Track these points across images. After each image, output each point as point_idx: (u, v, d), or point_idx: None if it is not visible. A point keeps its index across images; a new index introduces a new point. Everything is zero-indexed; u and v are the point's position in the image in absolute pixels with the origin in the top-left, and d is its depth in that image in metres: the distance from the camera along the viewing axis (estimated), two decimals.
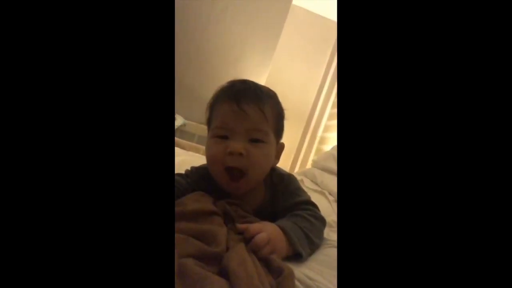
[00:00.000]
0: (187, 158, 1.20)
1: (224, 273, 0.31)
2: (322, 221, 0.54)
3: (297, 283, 0.35)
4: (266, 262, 0.35)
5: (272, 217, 0.50)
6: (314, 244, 0.49)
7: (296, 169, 2.54)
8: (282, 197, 0.56)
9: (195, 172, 0.60)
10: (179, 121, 2.29)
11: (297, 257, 0.44)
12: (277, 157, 0.58)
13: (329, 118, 2.51)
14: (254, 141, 0.50)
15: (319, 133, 2.58)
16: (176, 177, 0.58)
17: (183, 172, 0.61)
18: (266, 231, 0.41)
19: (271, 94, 0.56)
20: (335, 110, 2.39)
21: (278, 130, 0.56)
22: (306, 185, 1.15)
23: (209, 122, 0.56)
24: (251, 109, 0.49)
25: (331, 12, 2.67)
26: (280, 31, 2.55)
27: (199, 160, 1.25)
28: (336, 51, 2.59)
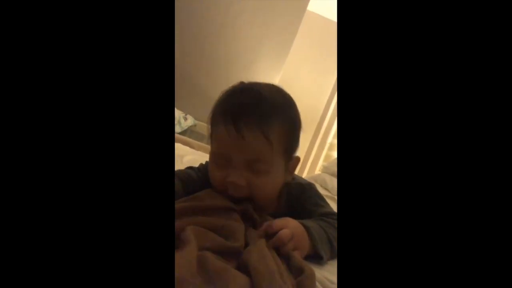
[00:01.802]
0: (196, 158, 1.20)
1: (243, 269, 0.30)
2: None
3: (317, 284, 0.34)
4: (287, 260, 0.34)
5: None
6: (335, 252, 0.46)
7: (304, 175, 2.52)
8: (305, 206, 0.53)
9: (207, 167, 0.58)
10: (189, 121, 2.30)
11: (316, 258, 0.42)
12: (291, 173, 0.52)
13: None
14: (255, 171, 0.44)
15: (329, 139, 2.56)
16: (187, 170, 0.57)
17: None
18: (290, 228, 0.39)
19: (282, 104, 0.46)
20: None
21: (290, 148, 0.48)
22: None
23: (210, 136, 0.50)
24: (252, 135, 0.41)
25: None
26: (293, 36, 2.56)
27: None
28: None
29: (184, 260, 0.26)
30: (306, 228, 0.42)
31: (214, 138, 0.47)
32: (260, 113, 0.42)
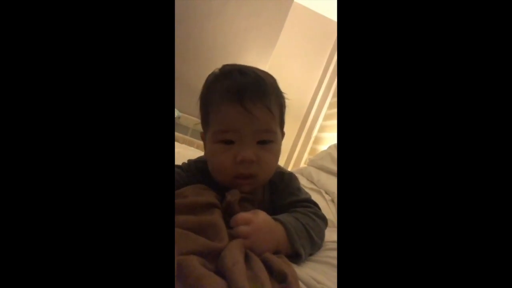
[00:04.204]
0: (180, 151, 1.17)
1: (221, 273, 0.29)
2: (324, 220, 0.51)
3: (302, 285, 0.33)
4: (266, 264, 0.32)
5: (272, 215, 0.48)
6: (315, 243, 0.46)
7: (290, 168, 2.53)
8: (281, 195, 0.53)
9: (192, 165, 0.56)
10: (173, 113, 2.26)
11: (296, 256, 0.41)
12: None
13: (325, 119, 2.50)
14: (263, 142, 0.46)
15: (314, 132, 2.58)
16: (176, 169, 0.55)
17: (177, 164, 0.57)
18: (252, 224, 0.38)
19: (273, 83, 0.50)
20: (332, 111, 2.39)
21: (282, 122, 0.52)
22: (303, 183, 1.13)
23: (205, 120, 0.50)
24: (257, 109, 0.44)
25: (332, 12, 2.66)
26: (280, 28, 2.53)
27: (193, 153, 1.23)
28: (335, 51, 2.59)
29: None
30: (283, 224, 0.41)
31: (216, 116, 0.47)
32: (261, 90, 0.46)
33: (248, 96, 0.44)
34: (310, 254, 0.46)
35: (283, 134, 0.54)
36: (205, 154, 0.53)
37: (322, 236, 0.49)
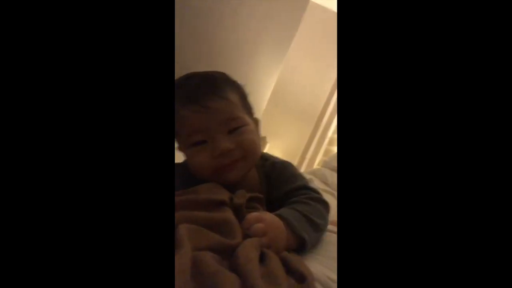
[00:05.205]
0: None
1: (235, 270, 0.29)
2: (321, 202, 0.51)
3: (318, 285, 0.32)
4: (284, 263, 0.32)
5: (270, 209, 0.48)
6: (316, 224, 0.45)
7: (303, 169, 2.51)
8: (276, 185, 0.53)
9: (180, 167, 0.56)
10: None
11: (302, 243, 0.42)
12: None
13: None
14: (233, 130, 0.47)
15: (329, 134, 2.55)
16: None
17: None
18: (264, 221, 0.39)
19: (222, 76, 0.51)
20: None
21: (248, 108, 0.52)
22: (316, 185, 1.12)
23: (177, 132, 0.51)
24: (214, 102, 0.45)
25: None
26: (296, 28, 2.51)
27: None
28: None
29: (177, 266, 0.25)
30: (279, 216, 0.42)
31: (181, 124, 0.47)
32: (211, 84, 0.47)
33: (200, 94, 0.45)
34: (315, 242, 0.46)
35: (255, 120, 0.54)
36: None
37: (322, 217, 0.49)
